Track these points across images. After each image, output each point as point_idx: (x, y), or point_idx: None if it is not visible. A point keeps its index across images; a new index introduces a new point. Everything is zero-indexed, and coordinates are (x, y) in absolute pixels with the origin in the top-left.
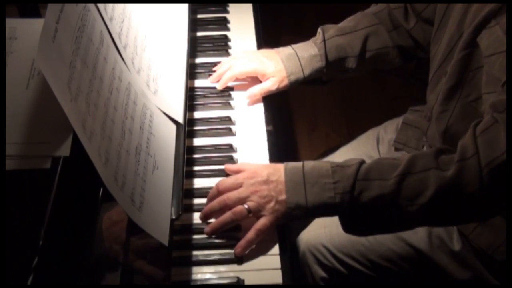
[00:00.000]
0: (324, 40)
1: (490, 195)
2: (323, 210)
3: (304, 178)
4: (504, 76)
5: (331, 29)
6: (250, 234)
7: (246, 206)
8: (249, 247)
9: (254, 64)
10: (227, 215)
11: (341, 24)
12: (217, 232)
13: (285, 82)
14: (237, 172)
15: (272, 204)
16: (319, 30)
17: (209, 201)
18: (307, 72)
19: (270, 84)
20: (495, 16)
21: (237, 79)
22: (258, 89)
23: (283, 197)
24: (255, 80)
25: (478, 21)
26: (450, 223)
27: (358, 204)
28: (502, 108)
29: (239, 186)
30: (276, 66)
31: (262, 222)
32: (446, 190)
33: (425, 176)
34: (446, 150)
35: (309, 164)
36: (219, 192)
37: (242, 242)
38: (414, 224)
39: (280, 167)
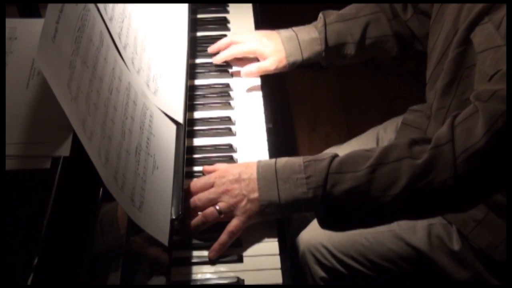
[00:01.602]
0: (325, 25)
1: (465, 183)
2: (297, 206)
3: (276, 174)
4: (492, 70)
5: (332, 15)
6: (223, 237)
7: (217, 207)
8: (222, 250)
9: (253, 43)
10: (198, 219)
11: (342, 11)
12: (193, 235)
13: (284, 63)
14: (212, 172)
15: (243, 203)
16: (320, 14)
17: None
18: (306, 54)
19: (268, 64)
20: (488, 13)
21: (235, 61)
22: (256, 67)
23: (255, 195)
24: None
25: (471, 18)
26: (427, 214)
27: (331, 198)
28: (485, 98)
29: (210, 186)
30: (276, 47)
31: (234, 223)
32: (419, 178)
33: (397, 166)
34: (422, 140)
35: (282, 160)
36: (192, 193)
37: (215, 245)
38: (391, 217)
39: (253, 164)
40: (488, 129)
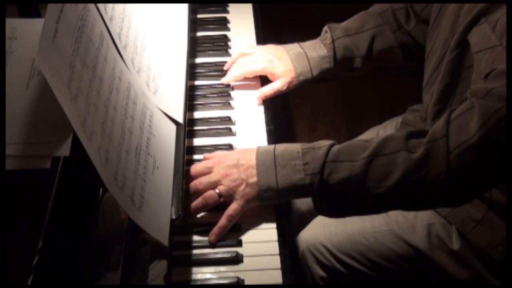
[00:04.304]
0: (333, 41)
1: (458, 179)
2: (294, 191)
3: (275, 160)
4: (488, 70)
5: (337, 29)
6: (222, 221)
7: (217, 190)
8: (222, 234)
9: (263, 63)
10: (198, 201)
11: (346, 24)
12: (193, 217)
13: (294, 82)
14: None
15: (242, 187)
16: (326, 29)
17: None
18: (315, 72)
19: (280, 85)
20: (484, 14)
21: (245, 78)
22: (269, 89)
23: (253, 180)
24: (254, 79)
25: (469, 20)
26: (420, 207)
27: (328, 186)
28: (481, 95)
29: (209, 170)
30: (286, 66)
31: (233, 207)
32: (413, 171)
33: (393, 158)
34: (419, 133)
35: (281, 146)
36: (191, 177)
37: (215, 229)
38: (384, 207)
39: (252, 151)
40: (482, 126)
